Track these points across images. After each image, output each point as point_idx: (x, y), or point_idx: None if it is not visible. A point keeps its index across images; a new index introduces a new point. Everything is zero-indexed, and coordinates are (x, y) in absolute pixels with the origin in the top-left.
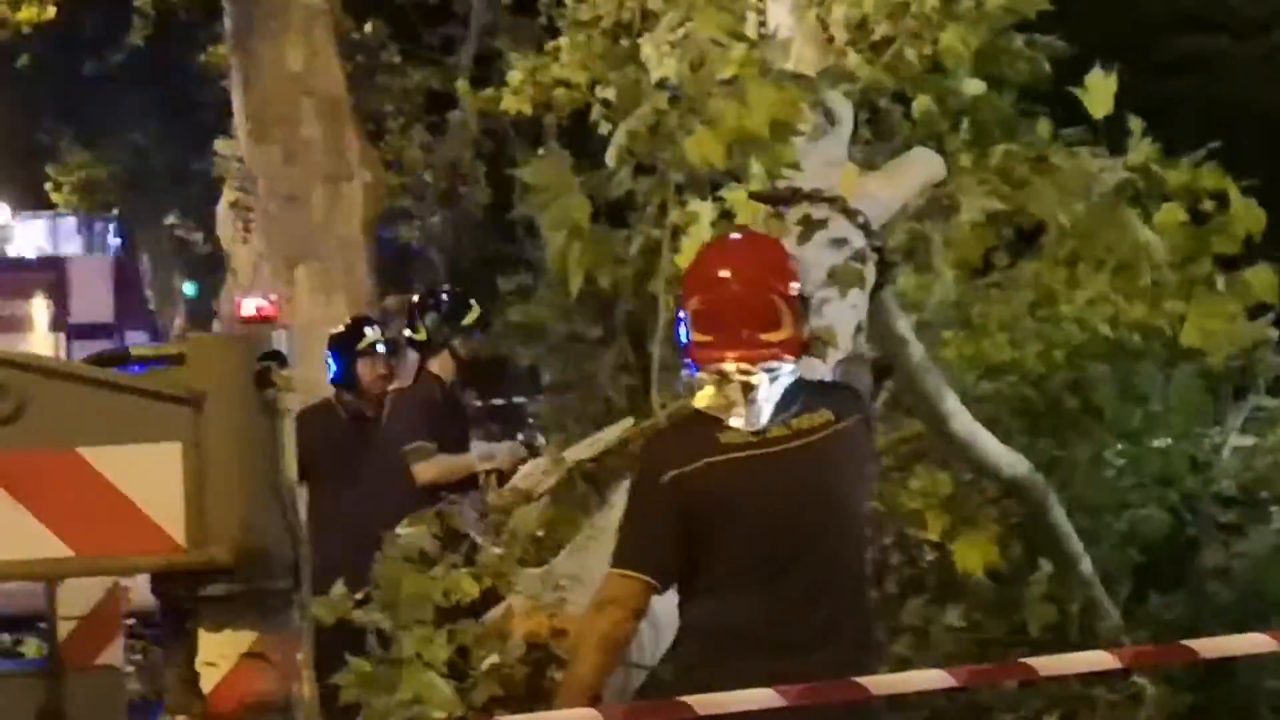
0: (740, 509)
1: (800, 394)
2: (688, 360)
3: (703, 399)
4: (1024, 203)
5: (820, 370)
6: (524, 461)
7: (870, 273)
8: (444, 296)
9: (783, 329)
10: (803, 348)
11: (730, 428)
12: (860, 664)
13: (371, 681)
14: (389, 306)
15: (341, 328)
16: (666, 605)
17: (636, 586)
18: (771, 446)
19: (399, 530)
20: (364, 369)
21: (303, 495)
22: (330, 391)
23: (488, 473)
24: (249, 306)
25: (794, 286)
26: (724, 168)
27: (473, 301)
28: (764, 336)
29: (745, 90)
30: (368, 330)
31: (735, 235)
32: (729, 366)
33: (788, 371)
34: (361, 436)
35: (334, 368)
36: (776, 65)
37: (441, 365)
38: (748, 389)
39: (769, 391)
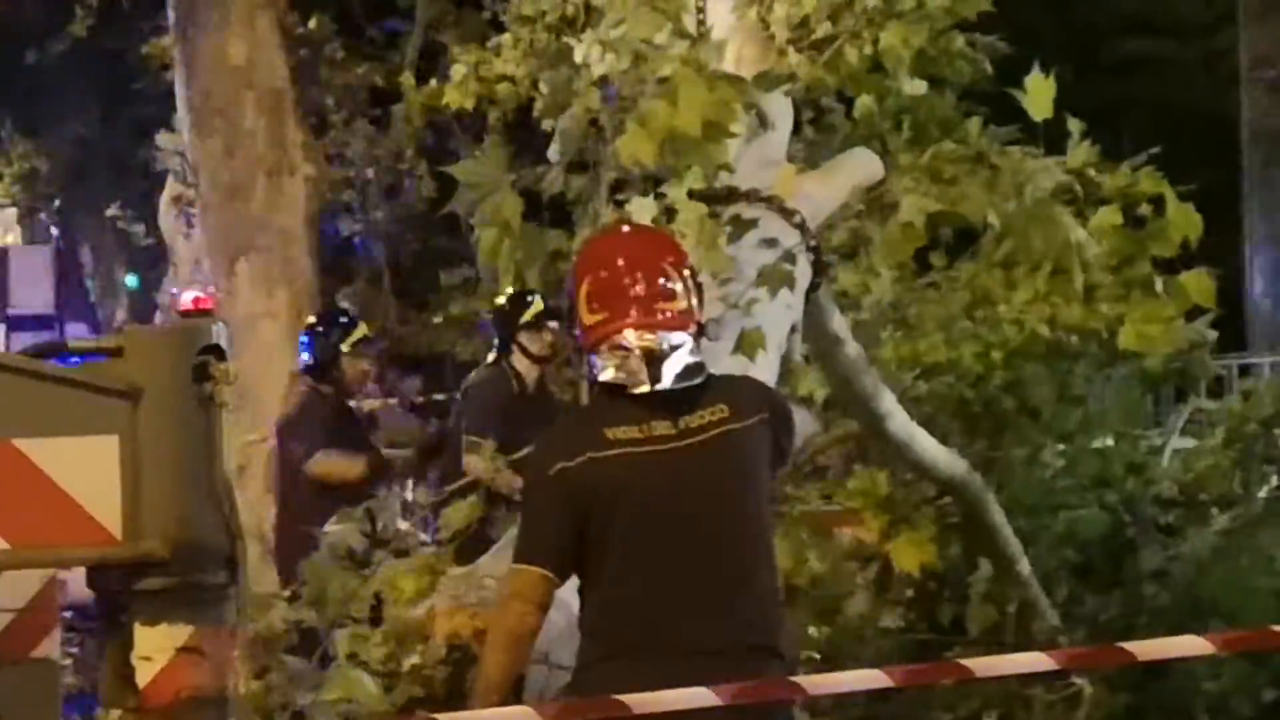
0: (622, 506)
1: (695, 385)
2: (585, 346)
3: (606, 375)
4: (954, 201)
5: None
6: None
7: (805, 272)
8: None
9: (678, 301)
10: (700, 328)
11: (618, 424)
12: (759, 669)
13: (301, 680)
14: (343, 303)
15: (315, 319)
16: None
17: (534, 579)
18: (658, 444)
19: (327, 528)
20: (350, 364)
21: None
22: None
23: None
24: (186, 299)
25: (686, 266)
26: (655, 167)
27: (531, 298)
28: (661, 306)
29: (677, 89)
30: (360, 325)
31: (625, 228)
32: (628, 335)
33: (688, 349)
34: (343, 432)
35: (310, 360)
36: (711, 64)
37: (519, 361)
38: (649, 355)
39: (672, 360)
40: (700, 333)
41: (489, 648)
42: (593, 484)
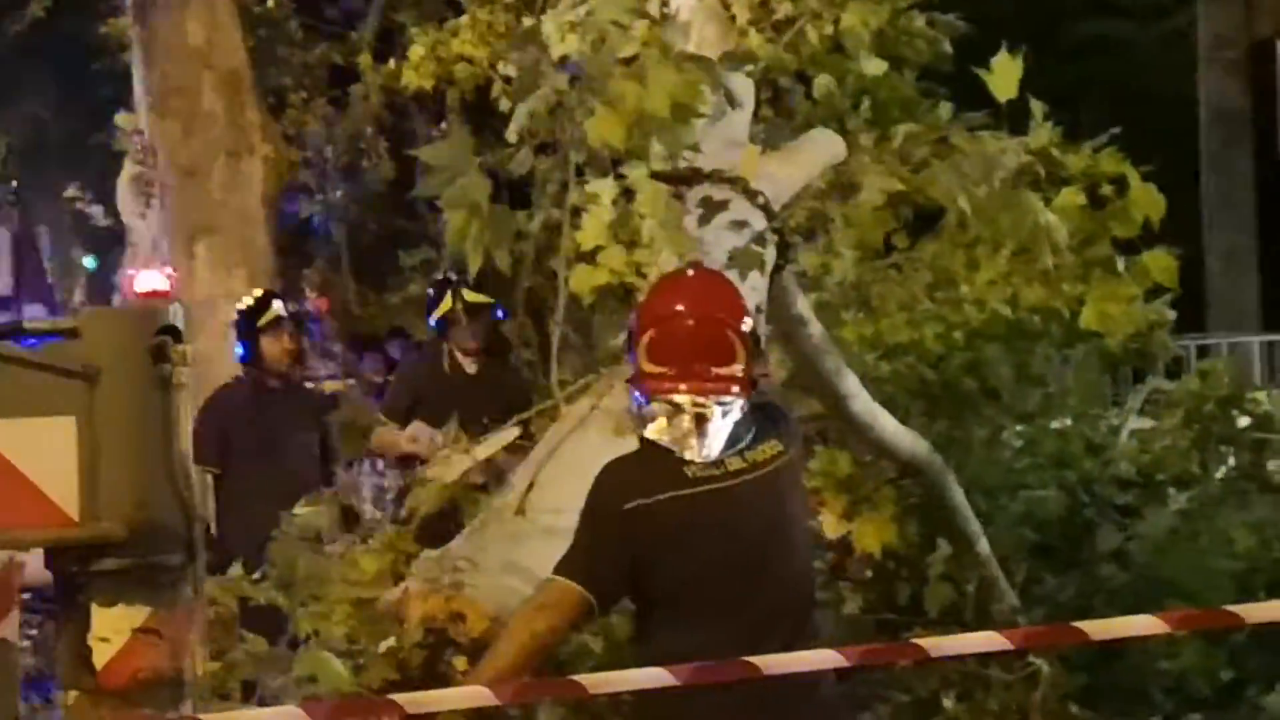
0: (701, 542)
1: (752, 424)
2: (640, 390)
3: (654, 430)
4: (923, 185)
5: None
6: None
7: (770, 254)
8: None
9: (736, 363)
10: (753, 384)
11: (691, 460)
12: (821, 692)
13: (266, 660)
14: (309, 281)
15: (248, 303)
16: None
17: (576, 599)
18: (731, 480)
19: (296, 509)
20: (268, 344)
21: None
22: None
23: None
24: (144, 281)
25: (746, 322)
26: (624, 148)
27: (454, 286)
28: (717, 370)
29: (645, 71)
30: (274, 304)
31: (691, 271)
32: (682, 399)
33: (738, 406)
34: (271, 411)
35: (240, 345)
36: (677, 46)
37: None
38: (700, 421)
39: (720, 424)
40: (754, 387)
41: (505, 644)
42: (671, 522)
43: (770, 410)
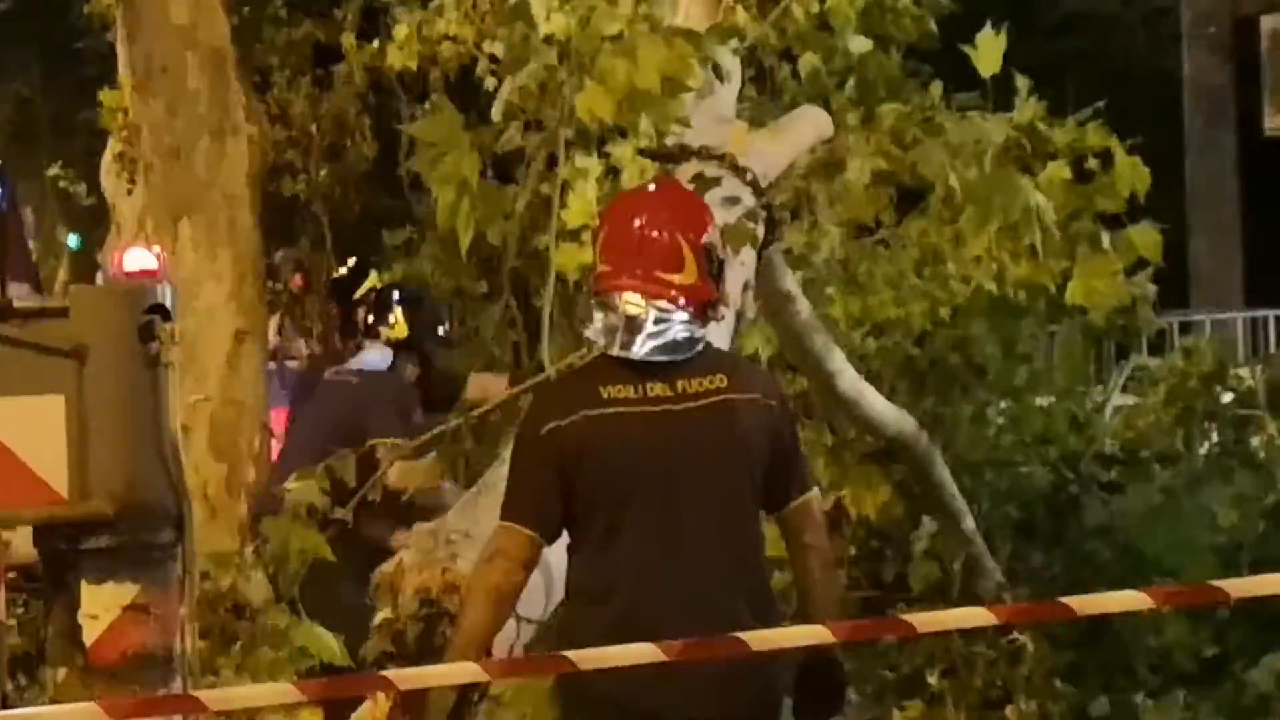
0: (613, 464)
1: (697, 356)
2: (593, 296)
3: (591, 330)
4: (912, 163)
5: (713, 331)
6: None
7: (760, 229)
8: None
9: (685, 273)
10: (706, 303)
11: (614, 383)
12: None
13: (263, 634)
14: (278, 261)
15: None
16: (559, 558)
17: (521, 539)
18: (653, 405)
19: (288, 484)
20: None
21: None
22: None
23: None
24: (131, 260)
25: (705, 237)
26: (613, 124)
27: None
28: (662, 275)
29: (635, 46)
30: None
31: (654, 184)
32: (617, 297)
33: (681, 321)
34: None
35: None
36: (664, 21)
37: None
38: (631, 321)
39: (653, 330)
40: (706, 308)
41: (470, 604)
42: (585, 442)
43: (744, 360)
